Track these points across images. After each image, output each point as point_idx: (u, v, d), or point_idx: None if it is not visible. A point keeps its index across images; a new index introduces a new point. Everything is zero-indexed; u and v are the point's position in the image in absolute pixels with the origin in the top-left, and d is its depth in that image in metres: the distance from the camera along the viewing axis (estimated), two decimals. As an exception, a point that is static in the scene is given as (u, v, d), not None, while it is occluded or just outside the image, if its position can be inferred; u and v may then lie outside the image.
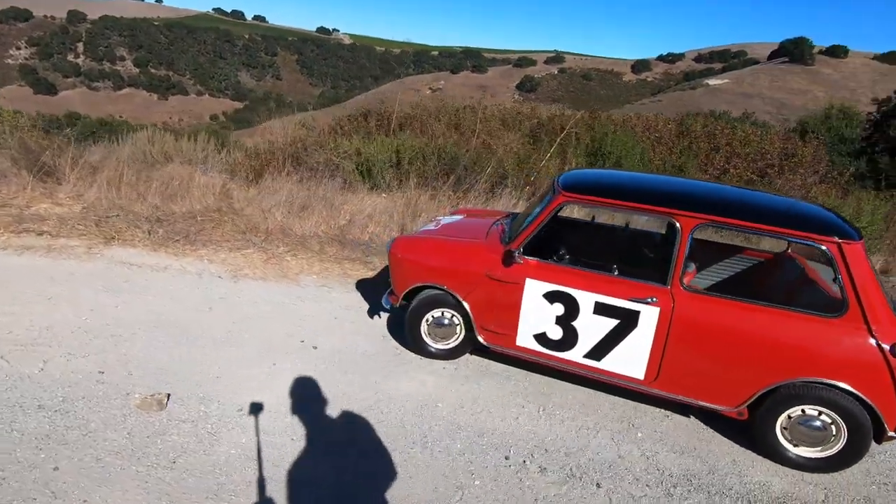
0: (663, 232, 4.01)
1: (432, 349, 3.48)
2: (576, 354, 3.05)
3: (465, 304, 3.26)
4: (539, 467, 2.57)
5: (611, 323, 2.91)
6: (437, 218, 4.12)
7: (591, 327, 2.96)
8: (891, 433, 2.51)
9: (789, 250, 3.53)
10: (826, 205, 3.76)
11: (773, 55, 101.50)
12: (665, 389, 2.90)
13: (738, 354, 2.68)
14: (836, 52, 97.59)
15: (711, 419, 3.06)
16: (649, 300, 2.81)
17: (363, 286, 4.65)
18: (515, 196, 6.88)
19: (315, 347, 3.53)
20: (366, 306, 4.26)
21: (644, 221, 4.91)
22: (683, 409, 3.13)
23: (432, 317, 3.42)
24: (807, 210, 2.88)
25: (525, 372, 3.42)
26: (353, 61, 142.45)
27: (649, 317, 2.81)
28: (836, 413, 2.58)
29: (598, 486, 2.49)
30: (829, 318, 2.56)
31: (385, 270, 5.00)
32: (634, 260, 3.62)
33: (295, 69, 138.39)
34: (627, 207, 2.97)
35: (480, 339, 3.29)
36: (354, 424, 2.78)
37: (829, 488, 2.60)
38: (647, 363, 2.88)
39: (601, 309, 2.91)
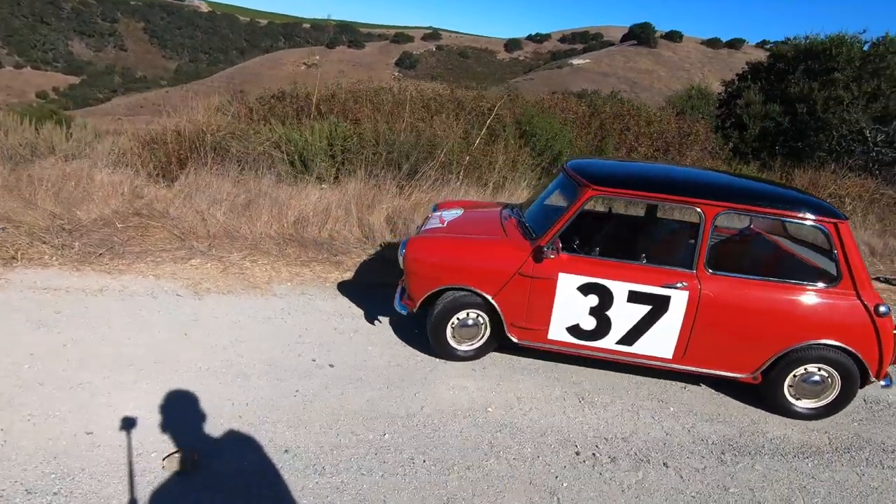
0: (642, 215, 4.30)
1: (459, 352, 3.38)
2: (608, 342, 3.17)
3: (495, 304, 3.20)
4: (609, 457, 2.66)
5: (643, 309, 3.07)
6: (435, 214, 3.95)
7: (625, 315, 3.09)
8: (872, 378, 3.01)
9: (752, 226, 3.99)
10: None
11: (624, 38, 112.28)
12: (691, 364, 3.15)
13: (755, 326, 3.00)
14: (674, 36, 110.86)
15: (719, 385, 3.40)
16: (679, 285, 3.00)
17: (346, 290, 4.33)
18: (465, 184, 6.82)
19: (331, 366, 3.22)
20: (359, 312, 3.98)
21: (625, 207, 5.20)
22: (694, 379, 3.43)
23: (457, 319, 3.31)
24: (801, 195, 3.28)
25: (548, 363, 3.48)
26: (214, 32, 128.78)
27: (679, 300, 3.01)
28: (832, 368, 3.02)
29: (666, 465, 2.65)
30: (827, 288, 2.96)
31: (362, 269, 4.72)
32: (632, 243, 3.83)
33: (143, 39, 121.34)
34: (654, 198, 3.12)
35: (512, 336, 3.26)
36: (420, 444, 2.61)
37: (829, 432, 3.06)
38: (675, 343, 3.10)
39: (635, 297, 3.05)
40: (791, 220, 3.02)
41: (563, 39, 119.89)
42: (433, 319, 3.29)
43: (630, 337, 3.14)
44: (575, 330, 3.18)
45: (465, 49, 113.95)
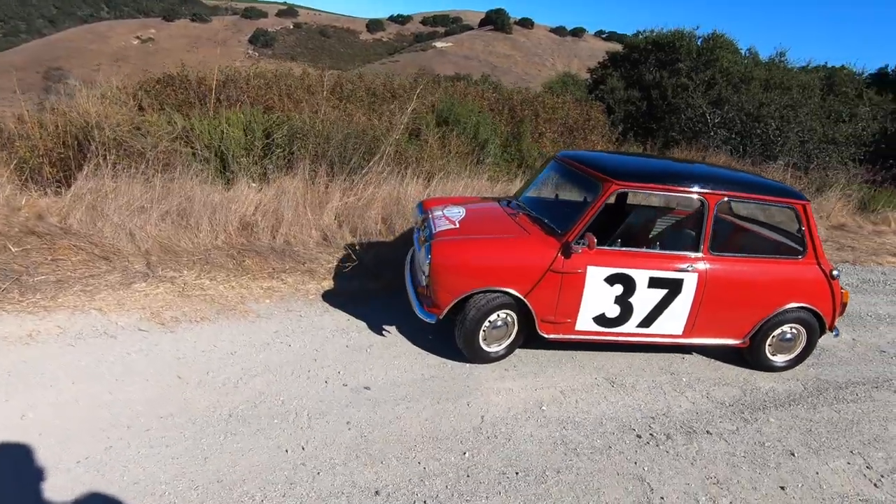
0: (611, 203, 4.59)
1: (492, 354, 3.34)
2: (630, 326, 3.38)
3: (527, 302, 3.20)
4: (664, 435, 2.87)
5: (661, 293, 3.32)
6: (436, 214, 3.77)
7: (645, 300, 3.31)
8: (828, 331, 3.64)
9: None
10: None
11: (482, 23, 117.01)
12: (697, 337, 3.50)
13: (748, 297, 3.43)
14: (526, 23, 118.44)
15: (706, 351, 3.83)
16: (689, 267, 3.30)
17: (333, 301, 3.99)
18: (404, 176, 6.59)
19: (367, 388, 2.97)
20: (361, 324, 3.70)
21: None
22: (684, 349, 3.82)
23: (489, 322, 3.25)
24: (772, 182, 3.77)
25: (567, 352, 3.60)
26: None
27: (690, 281, 3.32)
28: (801, 326, 3.59)
29: (709, 433, 2.93)
30: (797, 260, 3.49)
31: (339, 277, 4.37)
32: (632, 231, 4.07)
33: None
34: (665, 190, 3.35)
35: (542, 332, 3.30)
36: (502, 456, 2.54)
37: (799, 379, 3.64)
38: (686, 320, 3.41)
39: (654, 282, 3.28)
40: (772, 203, 3.49)
41: (424, 21, 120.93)
42: (467, 325, 3.19)
43: (648, 319, 3.38)
44: (601, 319, 3.33)
45: (326, 28, 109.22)
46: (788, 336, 3.62)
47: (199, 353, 3.10)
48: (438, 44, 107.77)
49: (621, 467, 2.58)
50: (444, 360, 3.35)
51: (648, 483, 2.50)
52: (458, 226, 3.49)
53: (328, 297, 4.05)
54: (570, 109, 10.37)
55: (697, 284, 3.33)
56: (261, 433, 2.51)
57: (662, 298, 3.33)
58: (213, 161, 6.10)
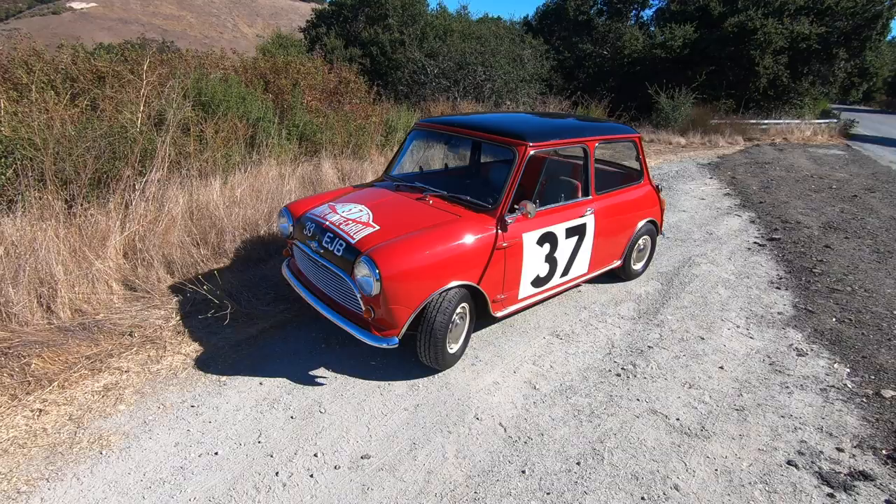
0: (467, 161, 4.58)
1: (456, 354, 3.02)
2: (556, 279, 3.52)
3: (482, 289, 2.97)
4: (631, 364, 3.15)
5: (574, 241, 3.52)
6: (330, 217, 3.02)
7: (564, 251, 3.47)
8: (661, 234, 4.53)
9: (535, 154, 4.91)
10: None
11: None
12: (596, 270, 3.90)
13: (622, 224, 3.96)
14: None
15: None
16: (589, 211, 3.58)
17: (216, 367, 2.95)
18: (193, 181, 5.16)
19: (365, 456, 2.33)
20: (285, 383, 2.86)
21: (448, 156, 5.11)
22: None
23: (453, 323, 2.91)
24: (616, 123, 4.25)
25: (501, 325, 3.55)
26: None
27: (590, 223, 3.61)
28: (648, 235, 4.36)
29: (651, 347, 3.35)
30: (640, 184, 4.17)
31: (199, 333, 3.25)
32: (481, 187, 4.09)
33: None
34: (562, 144, 3.45)
35: (494, 313, 3.13)
36: (554, 453, 2.37)
37: (653, 278, 4.47)
38: (589, 259, 3.74)
39: (570, 232, 3.45)
40: (623, 140, 4.01)
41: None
42: (436, 334, 2.77)
43: (567, 267, 3.57)
44: (536, 280, 3.36)
45: None
46: (642, 246, 4.37)
47: (80, 539, 1.87)
48: (76, 4, 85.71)
49: (633, 408, 2.74)
50: (410, 381, 2.88)
51: (659, 411, 2.73)
52: (376, 226, 2.92)
53: (204, 365, 2.95)
54: (324, 74, 9.70)
55: (595, 224, 3.65)
56: None
57: (575, 245, 3.55)
58: None
